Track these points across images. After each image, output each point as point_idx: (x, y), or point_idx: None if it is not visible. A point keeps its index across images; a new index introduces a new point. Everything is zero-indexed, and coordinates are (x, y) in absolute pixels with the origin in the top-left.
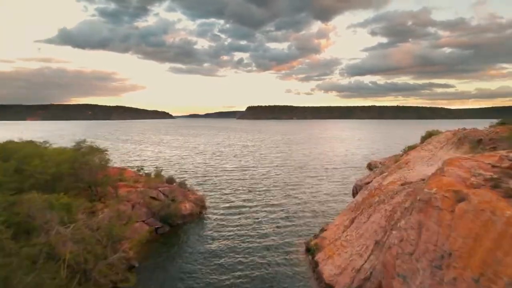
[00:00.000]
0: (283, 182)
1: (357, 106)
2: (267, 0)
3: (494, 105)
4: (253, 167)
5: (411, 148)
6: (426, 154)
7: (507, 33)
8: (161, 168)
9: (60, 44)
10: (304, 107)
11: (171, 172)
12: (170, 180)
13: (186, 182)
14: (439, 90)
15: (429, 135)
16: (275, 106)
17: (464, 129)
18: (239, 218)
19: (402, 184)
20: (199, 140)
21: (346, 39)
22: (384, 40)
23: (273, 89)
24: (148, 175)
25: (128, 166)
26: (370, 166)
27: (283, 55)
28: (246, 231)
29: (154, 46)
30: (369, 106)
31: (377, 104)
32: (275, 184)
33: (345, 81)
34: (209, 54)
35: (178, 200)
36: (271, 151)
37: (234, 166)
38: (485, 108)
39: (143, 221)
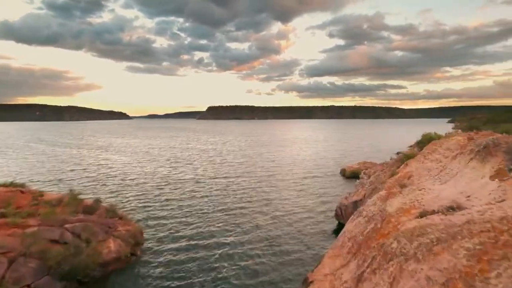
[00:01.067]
0: (249, 198)
1: (317, 106)
2: (227, 0)
3: (440, 105)
4: (213, 178)
5: (408, 156)
6: (434, 166)
7: (450, 39)
8: (77, 191)
9: (1, 38)
10: (265, 107)
11: (108, 187)
12: (92, 207)
13: (121, 204)
14: (393, 91)
15: (428, 139)
16: (236, 106)
17: (477, 132)
18: (192, 258)
19: (421, 216)
20: (153, 143)
21: (305, 41)
22: (341, 42)
23: (234, 89)
24: (57, 201)
25: (49, 182)
26: (344, 173)
27: (244, 55)
28: (203, 279)
29: (110, 44)
30: (328, 106)
31: (336, 104)
32: (239, 203)
33: (304, 81)
34: (168, 53)
35: (97, 240)
36: (234, 156)
37: (189, 176)
38: (433, 108)
39: (28, 286)
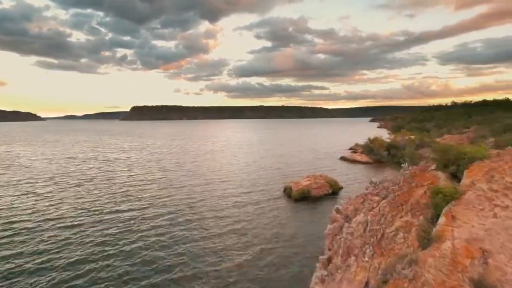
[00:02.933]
0: (154, 256)
1: (246, 106)
2: None
3: (359, 105)
4: (113, 211)
5: (447, 195)
6: None
7: (366, 45)
8: None
9: None
10: (194, 107)
11: None
12: None
13: None
14: (317, 91)
15: (470, 159)
16: (163, 106)
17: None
18: None
19: None
20: (48, 151)
21: (233, 41)
22: (268, 44)
23: (161, 89)
24: None
25: None
26: (290, 194)
27: (171, 53)
28: None
29: (12, 35)
30: (257, 106)
31: (264, 104)
32: (155, 258)
33: (233, 82)
34: (87, 48)
35: None
36: (147, 171)
37: (78, 211)
38: (354, 108)
39: None
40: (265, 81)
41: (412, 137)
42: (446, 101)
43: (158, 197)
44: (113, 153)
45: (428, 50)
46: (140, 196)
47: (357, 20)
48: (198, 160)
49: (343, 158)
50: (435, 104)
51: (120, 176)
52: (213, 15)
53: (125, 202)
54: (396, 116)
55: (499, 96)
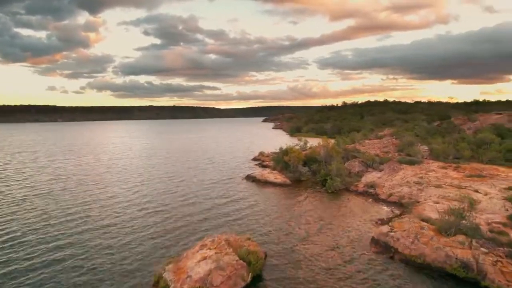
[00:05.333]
0: None
1: (135, 106)
2: None
3: (250, 106)
4: None
5: None
6: None
7: (255, 48)
8: None
9: None
10: (73, 107)
11: None
12: None
13: None
14: (209, 92)
15: None
16: (31, 106)
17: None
18: None
19: None
20: None
21: (119, 36)
22: (157, 41)
23: (30, 86)
24: None
25: None
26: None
27: (42, 45)
28: None
29: None
30: (147, 106)
31: (155, 104)
32: None
33: (119, 80)
34: None
35: None
36: None
37: None
38: (245, 108)
39: None
40: (155, 80)
41: (335, 145)
42: (326, 101)
43: None
44: None
45: (309, 55)
46: None
47: (246, 23)
48: (79, 188)
49: (250, 178)
50: (328, 105)
51: None
52: (93, 6)
53: None
54: (291, 116)
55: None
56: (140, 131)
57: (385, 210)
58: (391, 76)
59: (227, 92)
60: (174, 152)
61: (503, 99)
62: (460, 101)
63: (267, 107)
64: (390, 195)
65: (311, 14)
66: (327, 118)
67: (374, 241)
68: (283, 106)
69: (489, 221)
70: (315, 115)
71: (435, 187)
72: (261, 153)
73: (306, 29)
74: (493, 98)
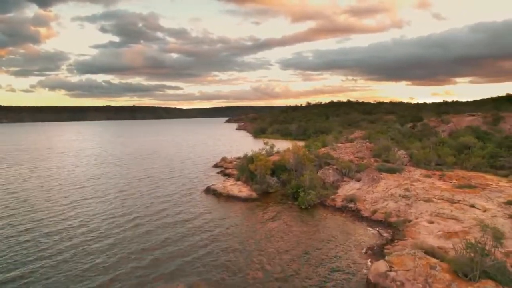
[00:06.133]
0: None
1: (91, 106)
2: None
3: (213, 106)
4: None
5: None
6: None
7: (217, 47)
8: None
9: None
10: (20, 107)
11: None
12: None
13: None
14: (171, 91)
15: None
16: None
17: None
18: None
19: None
20: None
21: (73, 33)
22: (115, 39)
23: None
24: None
25: None
26: None
27: None
28: None
29: None
30: (104, 106)
31: (113, 104)
32: None
33: (75, 78)
34: None
35: None
36: None
37: None
38: (208, 108)
39: None
40: (114, 79)
41: (306, 151)
42: (289, 102)
43: None
44: None
45: (272, 55)
46: None
47: (208, 23)
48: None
49: (211, 192)
50: (292, 105)
51: None
52: None
53: None
54: (255, 117)
55: (328, 98)
56: (95, 133)
57: (371, 232)
58: (350, 77)
59: (189, 92)
60: (128, 159)
61: (449, 100)
62: (420, 101)
63: (231, 107)
64: (375, 211)
65: (273, 15)
66: (292, 119)
67: (371, 286)
68: (246, 106)
69: (506, 250)
70: (279, 116)
71: (425, 201)
72: (224, 159)
73: (268, 29)
74: (442, 99)
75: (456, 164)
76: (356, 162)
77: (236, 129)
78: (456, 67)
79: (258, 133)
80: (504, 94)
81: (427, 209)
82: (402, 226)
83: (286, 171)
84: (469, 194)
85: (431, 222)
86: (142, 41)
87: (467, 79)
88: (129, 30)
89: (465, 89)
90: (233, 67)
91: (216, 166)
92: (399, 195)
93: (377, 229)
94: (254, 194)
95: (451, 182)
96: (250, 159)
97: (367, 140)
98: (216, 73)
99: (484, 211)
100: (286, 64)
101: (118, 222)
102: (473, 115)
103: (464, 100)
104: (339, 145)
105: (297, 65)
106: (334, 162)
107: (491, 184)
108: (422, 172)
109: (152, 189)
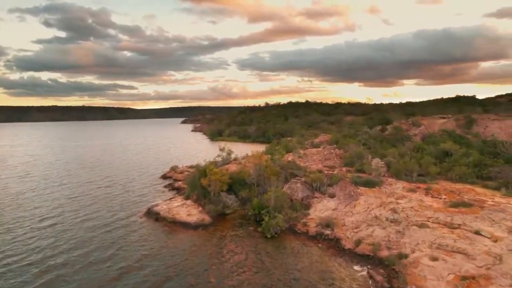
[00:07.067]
0: None
1: (34, 106)
2: None
3: (169, 106)
4: None
5: None
6: None
7: (173, 46)
8: None
9: None
10: None
11: None
12: None
13: None
14: (124, 91)
15: None
16: None
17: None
18: None
19: None
20: None
21: (11, 26)
22: (62, 34)
23: None
24: None
25: None
26: None
27: None
28: None
29: None
30: (49, 106)
31: (60, 104)
32: None
33: (15, 76)
34: None
35: None
36: None
37: None
38: (164, 108)
39: None
40: (61, 77)
41: (270, 161)
42: (246, 102)
43: None
44: None
45: (229, 56)
46: None
47: (163, 20)
48: None
49: (153, 216)
50: (250, 105)
51: None
52: None
53: None
54: (212, 118)
55: (285, 98)
56: (32, 136)
57: (359, 275)
58: (306, 78)
59: (144, 92)
60: (63, 169)
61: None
62: (377, 102)
63: (187, 107)
64: (359, 242)
65: (230, 15)
66: (250, 120)
67: None
68: (204, 107)
69: None
70: (237, 117)
71: (419, 226)
72: (174, 169)
73: (225, 29)
74: (391, 100)
75: (440, 174)
76: (326, 172)
77: (192, 130)
78: (403, 70)
79: (214, 136)
80: (451, 96)
81: (423, 237)
82: (397, 264)
83: (246, 186)
84: (468, 216)
85: (435, 259)
86: (92, 38)
87: (413, 81)
88: (77, 25)
89: (412, 91)
90: (190, 67)
91: (164, 177)
92: (386, 218)
93: (366, 268)
94: (206, 218)
95: (441, 198)
96: (202, 172)
97: (335, 145)
98: (172, 72)
99: (495, 241)
100: (243, 65)
101: (12, 281)
102: (444, 117)
103: (412, 100)
104: (305, 151)
105: (254, 65)
106: (302, 174)
107: (486, 201)
108: (405, 185)
109: (82, 214)
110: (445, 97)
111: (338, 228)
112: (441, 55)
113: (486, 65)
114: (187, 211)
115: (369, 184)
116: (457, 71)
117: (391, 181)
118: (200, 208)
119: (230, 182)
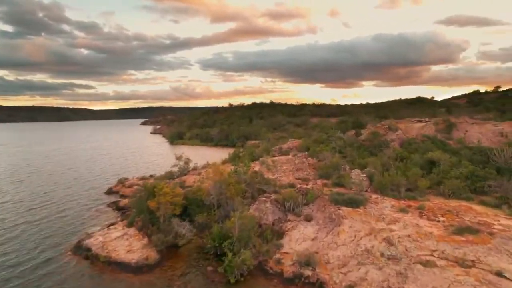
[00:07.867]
0: None
1: None
2: None
3: (129, 106)
4: None
5: None
6: None
7: (133, 45)
8: None
9: None
10: None
11: None
12: None
13: None
14: (81, 90)
15: None
16: None
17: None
18: None
19: None
20: None
21: None
22: (9, 28)
23: None
24: None
25: None
26: None
27: None
28: None
29: None
30: None
31: (6, 104)
32: None
33: None
34: None
35: None
36: None
37: None
38: (123, 108)
39: None
40: (8, 75)
41: (233, 175)
42: (210, 102)
43: None
44: None
45: (191, 55)
46: None
47: (122, 18)
48: None
49: (83, 252)
50: (213, 106)
51: None
52: None
53: None
54: (172, 119)
55: (248, 99)
56: None
57: None
58: (269, 79)
59: (102, 91)
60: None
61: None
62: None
63: (148, 107)
64: None
65: (193, 14)
66: (213, 122)
67: None
68: (165, 107)
69: None
70: (199, 118)
71: (423, 265)
72: (122, 182)
73: (188, 29)
74: (351, 101)
75: (429, 188)
76: (299, 186)
77: (151, 133)
78: (362, 71)
79: (175, 139)
80: (408, 97)
81: (433, 282)
82: None
83: (204, 208)
84: (479, 247)
85: None
86: (43, 34)
87: (371, 82)
88: (26, 19)
89: (371, 92)
90: (151, 66)
91: (110, 192)
92: (381, 254)
93: None
94: (152, 255)
95: (439, 221)
96: (150, 191)
97: (306, 153)
98: (132, 71)
99: None
100: (207, 65)
101: None
102: (421, 121)
103: (372, 102)
104: (274, 158)
105: (218, 65)
106: (272, 190)
107: (492, 224)
108: (393, 203)
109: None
110: (402, 98)
111: (320, 267)
112: (397, 58)
113: (436, 68)
114: (127, 244)
115: (352, 203)
116: (412, 73)
117: (376, 198)
118: (146, 240)
119: (184, 204)
